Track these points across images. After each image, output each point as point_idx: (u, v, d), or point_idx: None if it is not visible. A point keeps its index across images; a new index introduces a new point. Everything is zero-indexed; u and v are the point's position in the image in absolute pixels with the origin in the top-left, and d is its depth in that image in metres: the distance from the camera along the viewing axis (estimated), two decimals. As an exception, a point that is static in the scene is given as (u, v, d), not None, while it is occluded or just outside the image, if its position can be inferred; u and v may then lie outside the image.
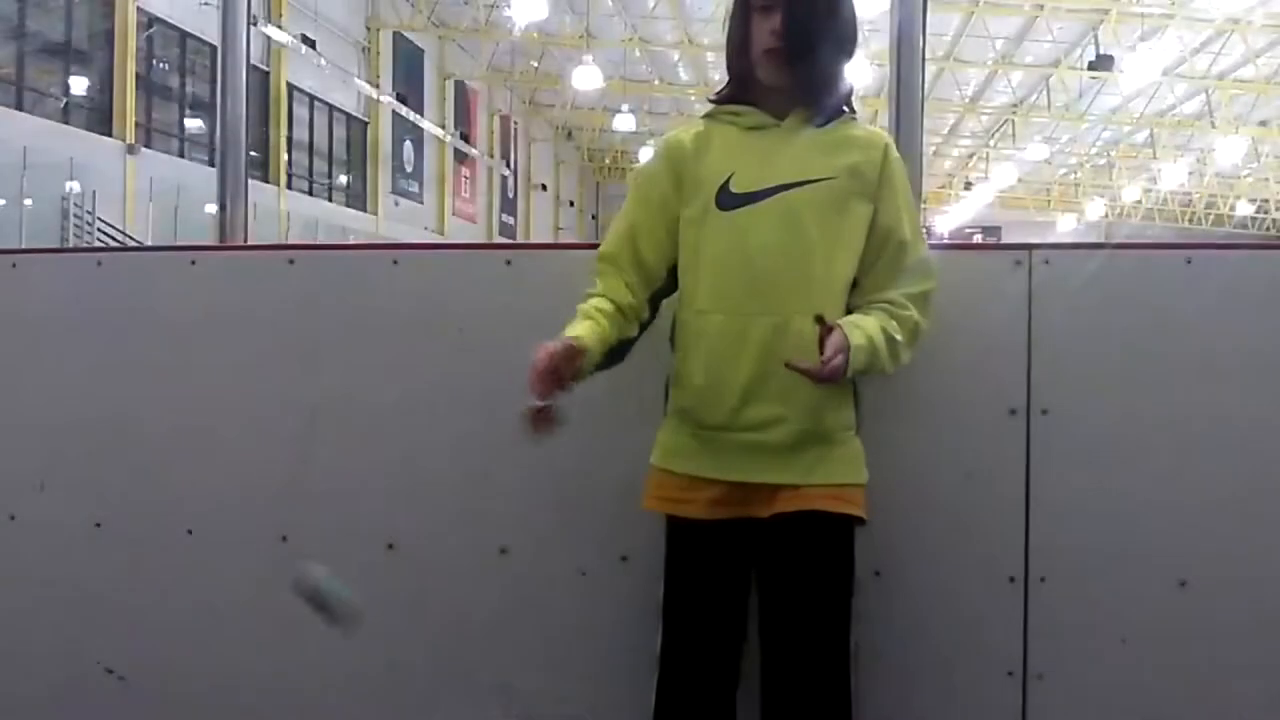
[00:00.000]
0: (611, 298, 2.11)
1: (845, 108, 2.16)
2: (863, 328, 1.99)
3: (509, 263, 2.58)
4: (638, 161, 30.49)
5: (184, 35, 19.80)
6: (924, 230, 2.18)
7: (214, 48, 3.46)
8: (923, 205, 2.94)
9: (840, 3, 2.12)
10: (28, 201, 16.02)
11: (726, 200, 2.08)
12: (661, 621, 2.12)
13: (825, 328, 1.92)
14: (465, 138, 31.20)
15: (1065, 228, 41.88)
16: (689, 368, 2.10)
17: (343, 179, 26.48)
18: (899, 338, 2.04)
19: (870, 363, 1.99)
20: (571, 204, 42.67)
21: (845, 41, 2.13)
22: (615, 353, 2.10)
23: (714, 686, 2.07)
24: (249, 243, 3.64)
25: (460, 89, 31.05)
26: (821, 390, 2.00)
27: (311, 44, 22.57)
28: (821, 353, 1.91)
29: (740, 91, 2.15)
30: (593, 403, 2.13)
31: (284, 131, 22.75)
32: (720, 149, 2.12)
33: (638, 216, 2.16)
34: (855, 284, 2.12)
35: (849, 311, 2.08)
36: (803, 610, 2.02)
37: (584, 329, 2.02)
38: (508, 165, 35.20)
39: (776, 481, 2.06)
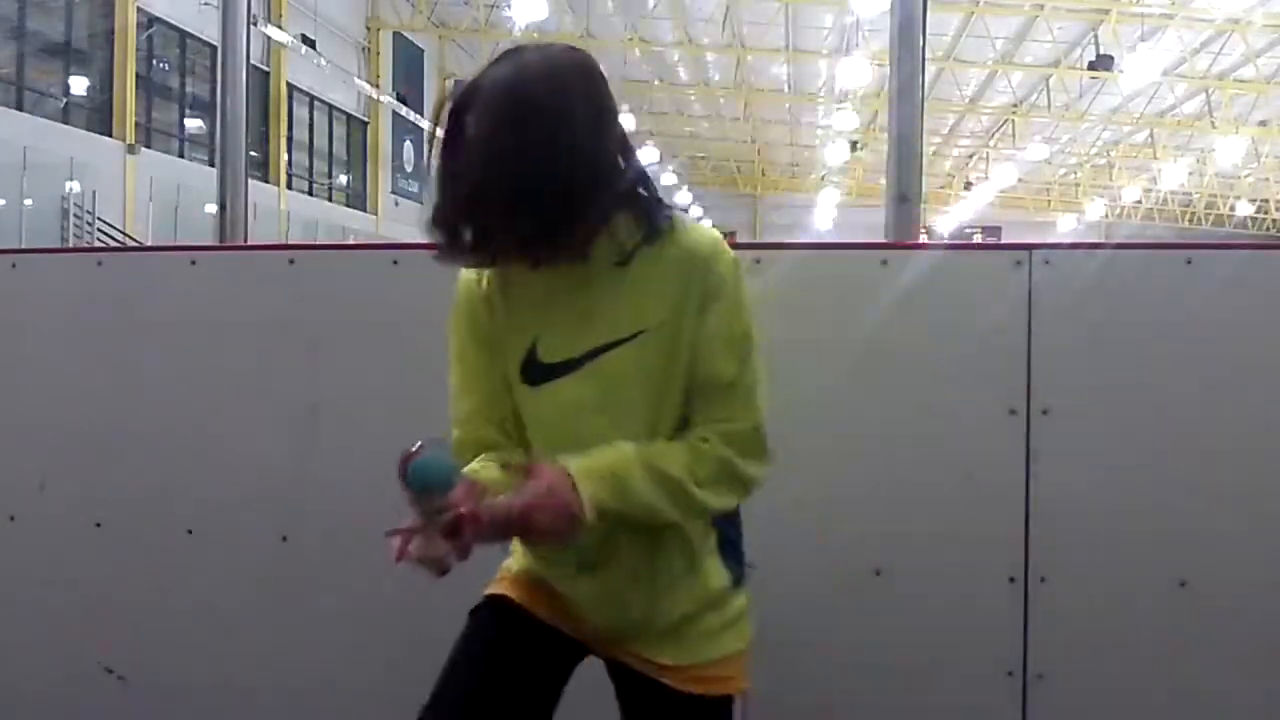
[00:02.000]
0: (491, 458, 1.77)
1: (656, 226, 1.70)
2: (605, 460, 1.64)
3: (509, 263, 2.58)
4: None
5: (184, 35, 19.81)
6: (752, 359, 1.74)
7: (214, 48, 3.47)
8: (923, 205, 2.94)
9: (568, 146, 1.59)
10: (28, 201, 16.04)
11: (536, 374, 1.75)
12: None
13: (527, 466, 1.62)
14: (465, 138, 31.16)
15: (1065, 228, 41.89)
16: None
17: (343, 179, 26.49)
18: (679, 475, 1.66)
19: (621, 501, 1.63)
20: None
21: (590, 181, 1.61)
22: None
23: None
24: (249, 243, 3.65)
25: (460, 89, 31.02)
26: (684, 547, 1.74)
27: (311, 44, 22.58)
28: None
29: (491, 255, 1.70)
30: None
31: (284, 131, 22.76)
32: (520, 298, 1.76)
33: (463, 370, 1.82)
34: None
35: None
36: None
37: (482, 469, 1.72)
38: (508, 165, 35.13)
39: (631, 656, 1.81)
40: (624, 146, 1.68)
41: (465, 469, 1.69)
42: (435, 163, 1.64)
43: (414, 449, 1.61)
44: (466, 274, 1.82)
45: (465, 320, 1.81)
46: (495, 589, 1.89)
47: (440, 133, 1.63)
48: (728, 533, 1.80)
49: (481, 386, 1.80)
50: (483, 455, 1.77)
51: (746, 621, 1.81)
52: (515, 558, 1.90)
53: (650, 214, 1.69)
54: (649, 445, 1.68)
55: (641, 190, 1.69)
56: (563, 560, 1.79)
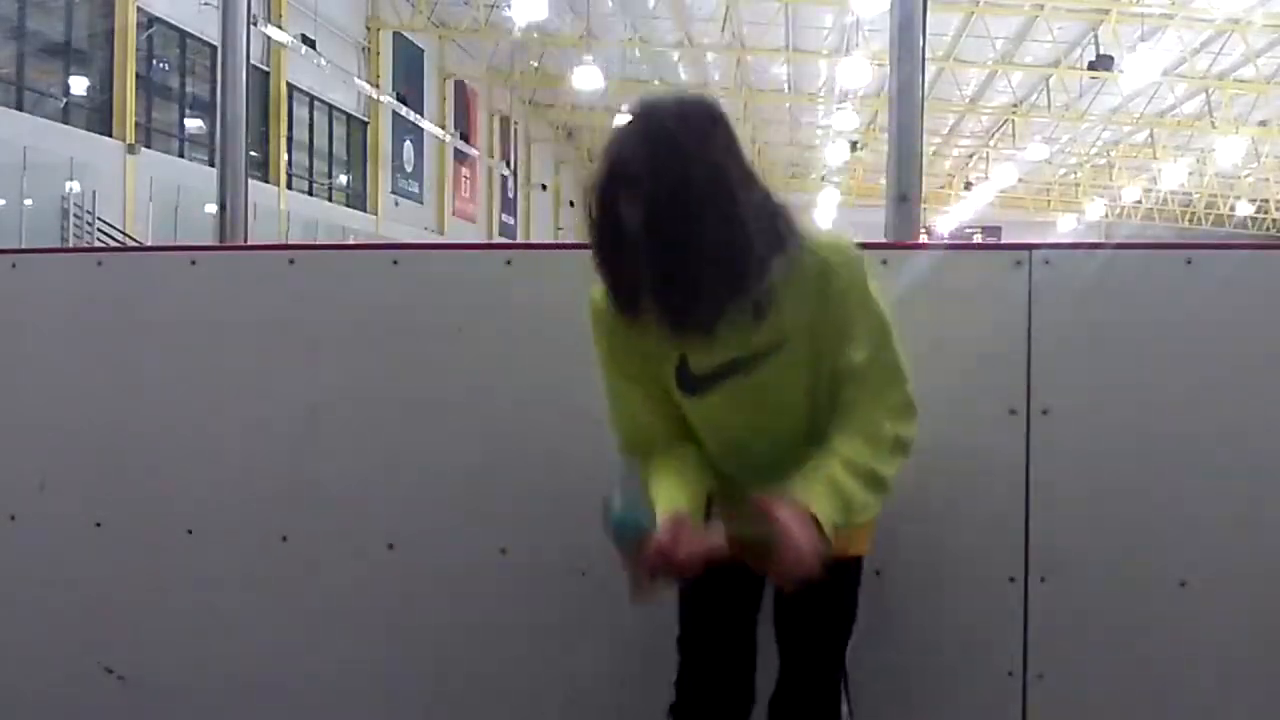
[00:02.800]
0: (674, 469, 1.92)
1: (785, 243, 1.81)
2: (824, 483, 1.82)
3: (509, 263, 2.58)
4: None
5: (184, 35, 19.80)
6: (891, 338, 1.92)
7: (214, 48, 3.47)
8: (923, 205, 2.94)
9: (722, 207, 1.70)
10: (28, 201, 16.03)
11: (689, 385, 1.92)
12: (679, 613, 2.10)
13: (762, 508, 1.77)
14: (465, 138, 31.20)
15: (1065, 228, 41.88)
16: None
17: (343, 179, 26.48)
18: (873, 466, 1.86)
19: (846, 515, 1.81)
20: (571, 204, 42.53)
21: (738, 236, 1.72)
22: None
23: (731, 674, 2.07)
24: (249, 243, 3.65)
25: (460, 89, 31.05)
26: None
27: (311, 44, 22.57)
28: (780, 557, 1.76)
29: (637, 309, 1.83)
30: (591, 398, 2.12)
31: (284, 131, 22.75)
32: (650, 328, 1.85)
33: (614, 373, 1.97)
34: None
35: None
36: (800, 655, 2.04)
37: (677, 492, 1.87)
38: (508, 165, 35.20)
39: None
40: (759, 186, 1.79)
41: (661, 492, 1.85)
42: (595, 241, 1.76)
43: (610, 499, 1.76)
44: (596, 291, 1.91)
45: (606, 333, 1.94)
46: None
47: (592, 212, 1.74)
48: None
49: (634, 389, 1.96)
50: (666, 466, 1.91)
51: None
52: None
53: (785, 246, 1.79)
54: (837, 444, 1.85)
55: (778, 223, 1.80)
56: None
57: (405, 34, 27.63)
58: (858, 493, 1.83)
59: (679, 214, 1.67)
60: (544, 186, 39.22)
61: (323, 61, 23.22)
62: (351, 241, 21.27)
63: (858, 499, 1.83)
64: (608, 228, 1.73)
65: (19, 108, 16.30)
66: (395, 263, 2.63)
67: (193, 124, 20.84)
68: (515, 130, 36.26)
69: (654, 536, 1.75)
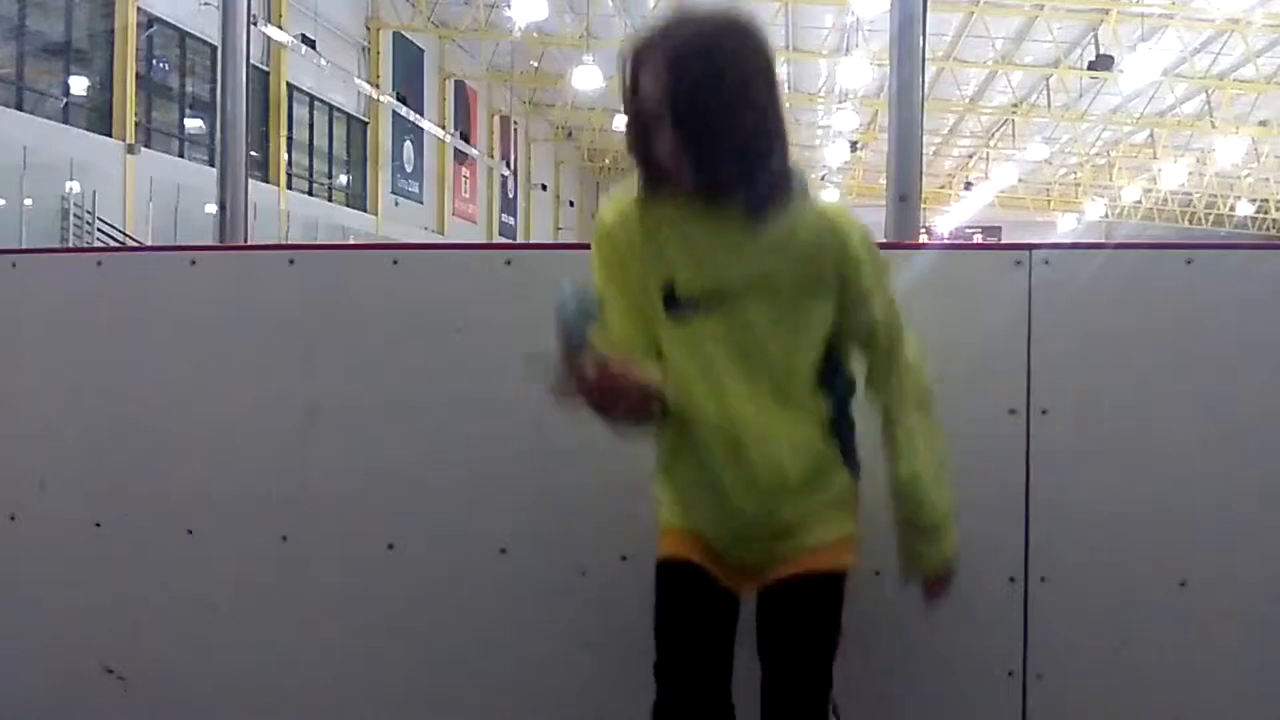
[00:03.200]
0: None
1: (791, 187, 1.91)
2: (923, 492, 2.02)
3: (509, 263, 2.58)
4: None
5: (184, 35, 19.80)
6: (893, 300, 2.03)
7: (214, 48, 3.47)
8: (923, 205, 2.94)
9: (742, 97, 1.82)
10: (28, 201, 16.02)
11: (674, 307, 1.94)
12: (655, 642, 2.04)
13: (926, 579, 2.07)
14: (465, 138, 31.20)
15: (1065, 228, 41.87)
16: (673, 465, 2.05)
17: (343, 179, 26.48)
18: (930, 419, 2.05)
19: (945, 490, 2.04)
20: (571, 204, 42.67)
21: (759, 135, 1.86)
22: None
23: (710, 700, 2.00)
24: (249, 243, 3.65)
25: (460, 89, 31.05)
26: (809, 464, 1.97)
27: (311, 44, 22.57)
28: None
29: (660, 185, 1.92)
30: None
31: (284, 131, 22.75)
32: (655, 236, 1.94)
33: (610, 297, 1.98)
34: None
35: (835, 377, 2.00)
36: (786, 674, 2.00)
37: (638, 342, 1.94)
38: (508, 165, 35.20)
39: (768, 559, 2.01)
40: (783, 118, 1.91)
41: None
42: (632, 109, 1.88)
43: (564, 286, 1.77)
44: (604, 212, 2.02)
45: (609, 248, 1.99)
46: (670, 551, 2.06)
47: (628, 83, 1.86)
48: (846, 438, 2.03)
49: (621, 300, 1.97)
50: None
51: (857, 509, 2.06)
52: (668, 513, 2.09)
53: (788, 174, 1.89)
54: (914, 419, 2.02)
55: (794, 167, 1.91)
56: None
57: (405, 34, 27.62)
58: (943, 469, 2.03)
59: (711, 77, 1.80)
60: (544, 186, 39.21)
61: (323, 61, 23.22)
62: (351, 241, 21.28)
63: (946, 473, 2.04)
64: (636, 94, 1.85)
65: (19, 108, 16.29)
66: (395, 263, 2.63)
67: (193, 124, 20.83)
68: (515, 130, 36.27)
69: (601, 351, 1.76)
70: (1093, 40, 24.19)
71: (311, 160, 24.80)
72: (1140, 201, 40.77)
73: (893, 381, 2.03)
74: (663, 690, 1.98)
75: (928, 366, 2.07)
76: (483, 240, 29.94)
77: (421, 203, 29.31)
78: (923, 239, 4.11)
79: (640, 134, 1.88)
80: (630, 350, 1.90)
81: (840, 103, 28.31)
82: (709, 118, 1.81)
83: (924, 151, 2.85)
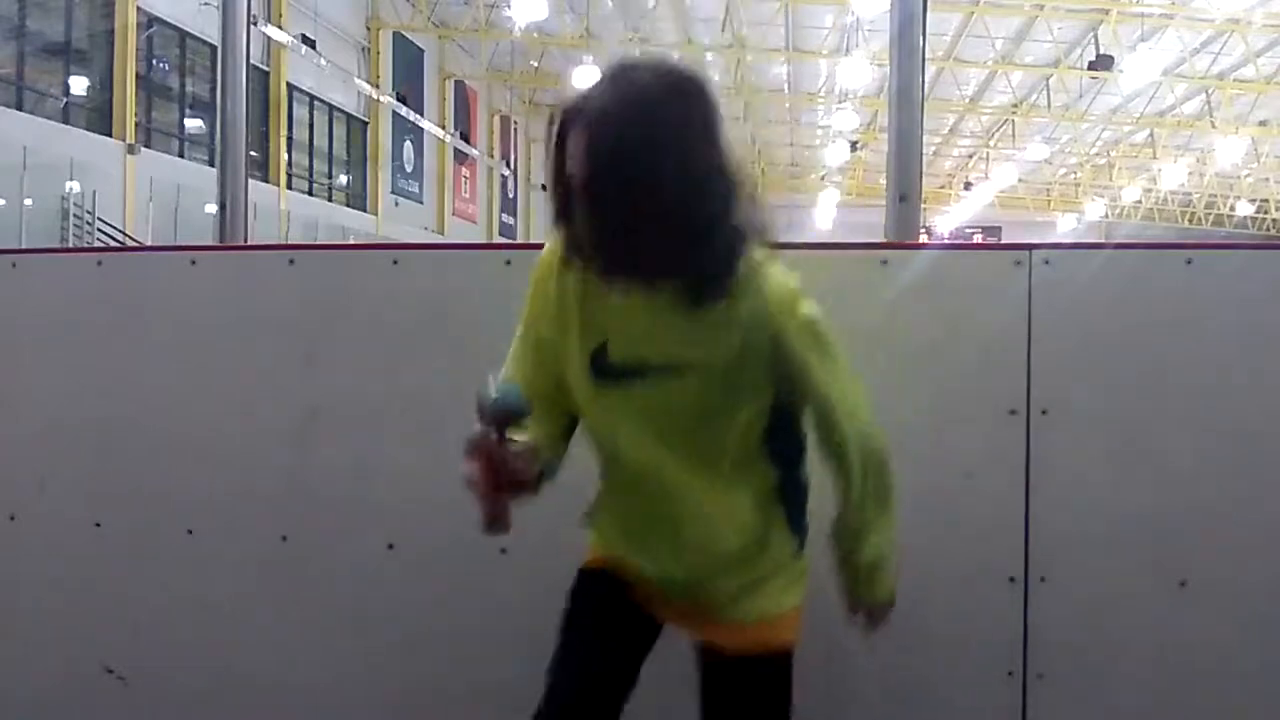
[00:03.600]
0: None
1: (735, 265, 1.71)
2: (862, 541, 1.88)
3: (509, 263, 2.58)
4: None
5: (184, 35, 19.80)
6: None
7: (214, 48, 3.47)
8: (923, 205, 2.94)
9: (678, 172, 1.59)
10: (28, 201, 16.02)
11: (602, 371, 1.80)
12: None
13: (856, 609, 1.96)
14: (465, 138, 31.21)
15: (1065, 228, 41.88)
16: (609, 509, 1.98)
17: (343, 179, 26.48)
18: (879, 481, 1.86)
19: (890, 551, 1.90)
20: (571, 204, 42.58)
21: (698, 211, 1.63)
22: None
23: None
24: (249, 243, 3.65)
25: (460, 89, 31.05)
26: (743, 539, 1.87)
27: (311, 44, 22.57)
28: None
29: (586, 260, 1.73)
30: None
31: (284, 131, 22.75)
32: (596, 297, 1.79)
33: (523, 352, 1.91)
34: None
35: (781, 436, 1.87)
36: None
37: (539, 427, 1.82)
38: (508, 165, 35.21)
39: (704, 616, 1.93)
40: (733, 181, 1.69)
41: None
42: (552, 179, 1.72)
43: (485, 386, 1.71)
44: (546, 252, 1.88)
45: (541, 291, 1.87)
46: (595, 562, 2.01)
47: (552, 150, 1.70)
48: (793, 504, 1.91)
49: (535, 356, 1.88)
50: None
51: (804, 581, 1.94)
52: (597, 540, 2.02)
53: (734, 247, 1.69)
54: (864, 487, 1.84)
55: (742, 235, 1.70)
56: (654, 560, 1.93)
57: (405, 34, 27.63)
58: (893, 537, 1.91)
59: (629, 155, 1.58)
60: (544, 187, 38.93)
61: (323, 61, 23.22)
62: (351, 241, 21.27)
63: (895, 550, 1.92)
64: (560, 161, 1.68)
65: (19, 108, 16.29)
66: (395, 263, 2.63)
67: (193, 124, 20.83)
68: (515, 130, 36.27)
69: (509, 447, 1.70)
70: (1093, 40, 24.19)
71: (311, 160, 24.80)
72: (1140, 202, 40.77)
73: (848, 459, 1.83)
74: (546, 704, 1.90)
75: (882, 436, 1.89)
76: (483, 240, 29.93)
77: (421, 203, 29.31)
78: (923, 239, 4.11)
79: (563, 204, 1.71)
80: (530, 394, 1.77)
81: (840, 103, 28.31)
82: (635, 200, 1.58)
83: (924, 151, 2.85)
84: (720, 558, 1.87)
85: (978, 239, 32.46)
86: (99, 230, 16.74)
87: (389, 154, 27.38)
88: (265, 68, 21.80)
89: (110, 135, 17.85)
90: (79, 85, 17.98)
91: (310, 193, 24.63)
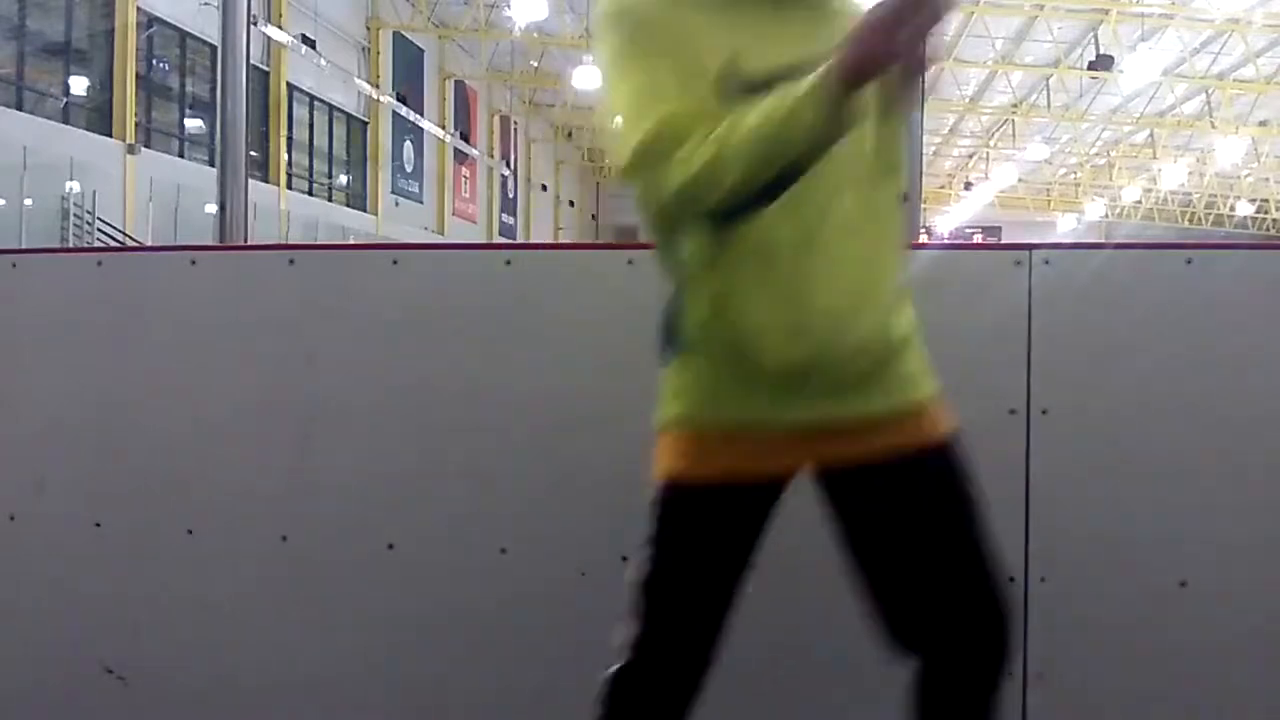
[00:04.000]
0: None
1: None
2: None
3: (509, 263, 2.58)
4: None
5: (184, 35, 19.80)
6: None
7: (214, 48, 3.48)
8: (923, 205, 2.93)
9: None
10: (28, 201, 16.02)
11: (737, 88, 1.63)
12: (641, 605, 1.83)
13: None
14: (465, 138, 31.21)
15: (1065, 228, 41.89)
16: (745, 303, 1.68)
17: (343, 179, 26.48)
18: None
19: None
20: (571, 204, 42.67)
21: None
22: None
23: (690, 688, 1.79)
24: (249, 243, 3.65)
25: (460, 89, 31.05)
26: (899, 283, 1.75)
27: (311, 44, 22.57)
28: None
29: None
30: (591, 399, 2.13)
31: (284, 131, 22.75)
32: (704, 19, 1.67)
33: (659, 81, 1.65)
34: None
35: None
36: (958, 545, 1.81)
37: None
38: (508, 165, 35.21)
39: (865, 412, 1.74)
40: None
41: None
42: None
43: None
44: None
45: (643, 36, 1.68)
46: (684, 467, 1.75)
47: None
48: None
49: (672, 80, 1.64)
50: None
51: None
52: (689, 401, 1.76)
53: None
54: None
55: None
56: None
57: (405, 34, 27.63)
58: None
59: None
60: (544, 186, 39.21)
61: (323, 61, 23.22)
62: (351, 241, 21.28)
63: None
64: None
65: (19, 108, 16.29)
66: (395, 263, 2.63)
67: (193, 124, 20.83)
68: (515, 130, 36.27)
69: None
70: (1093, 40, 24.20)
71: (311, 160, 24.81)
72: (1140, 202, 40.79)
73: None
74: (640, 662, 1.79)
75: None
76: (483, 240, 29.94)
77: (421, 203, 29.31)
78: (923, 239, 4.11)
79: None
80: (695, 121, 1.59)
81: (840, 103, 28.25)
82: None
83: (924, 151, 2.85)
84: (885, 285, 1.74)
85: (978, 239, 32.47)
86: (99, 230, 16.74)
87: (389, 154, 27.39)
88: (265, 68, 21.81)
89: (110, 135, 17.85)
90: (79, 85, 17.98)
91: (310, 193, 24.63)
